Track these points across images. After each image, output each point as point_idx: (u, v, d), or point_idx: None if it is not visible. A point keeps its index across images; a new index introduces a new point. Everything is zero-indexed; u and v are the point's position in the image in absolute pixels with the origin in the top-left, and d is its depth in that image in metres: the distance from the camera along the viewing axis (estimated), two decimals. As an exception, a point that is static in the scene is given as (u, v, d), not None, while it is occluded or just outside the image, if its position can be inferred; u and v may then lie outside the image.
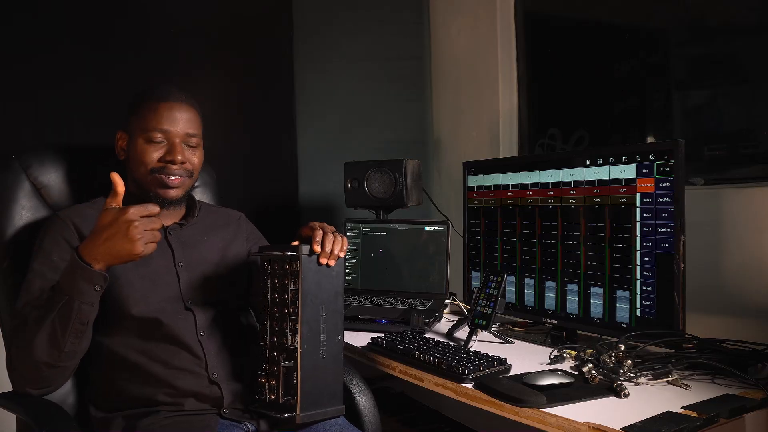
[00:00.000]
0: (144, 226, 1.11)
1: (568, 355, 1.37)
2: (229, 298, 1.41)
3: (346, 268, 2.06)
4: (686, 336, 1.30)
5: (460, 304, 1.88)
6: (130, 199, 1.32)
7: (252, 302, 1.49)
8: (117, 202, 1.16)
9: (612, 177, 1.45)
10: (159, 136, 1.30)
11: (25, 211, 1.38)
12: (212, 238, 1.43)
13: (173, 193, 1.33)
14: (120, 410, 1.26)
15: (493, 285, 1.54)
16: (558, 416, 1.05)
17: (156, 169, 1.30)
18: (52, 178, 1.43)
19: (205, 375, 1.28)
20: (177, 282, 1.33)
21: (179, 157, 1.30)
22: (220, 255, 1.42)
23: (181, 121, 1.32)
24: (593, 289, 1.50)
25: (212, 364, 1.29)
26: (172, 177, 1.31)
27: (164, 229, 1.36)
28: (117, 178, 1.16)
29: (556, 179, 1.60)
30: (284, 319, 1.21)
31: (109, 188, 1.31)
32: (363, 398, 1.40)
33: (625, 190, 1.42)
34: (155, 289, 1.30)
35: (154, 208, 1.13)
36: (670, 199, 1.32)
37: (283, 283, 1.21)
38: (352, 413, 1.37)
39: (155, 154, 1.30)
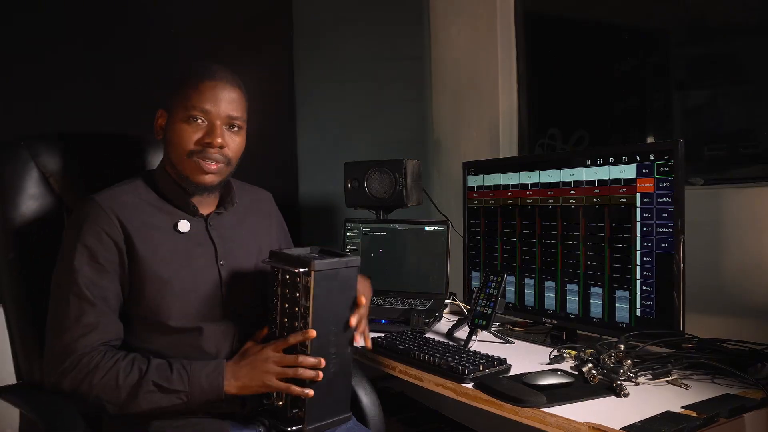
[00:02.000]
0: (281, 363, 1.15)
1: (567, 355, 1.37)
2: (264, 299, 1.34)
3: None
4: (686, 336, 1.30)
5: (460, 304, 1.88)
6: (168, 181, 1.27)
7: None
8: (259, 336, 1.24)
9: (612, 177, 1.45)
10: (199, 117, 1.20)
11: (32, 200, 1.33)
12: (249, 226, 1.36)
13: (209, 179, 1.23)
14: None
15: (493, 285, 1.54)
16: (558, 416, 1.05)
17: (193, 152, 1.20)
18: (61, 165, 1.37)
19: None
20: (219, 284, 1.26)
21: (218, 140, 1.20)
22: (257, 249, 1.35)
23: (224, 102, 1.22)
24: (593, 289, 1.50)
25: None
26: (209, 162, 1.21)
27: (204, 219, 1.28)
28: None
29: (556, 179, 1.60)
30: (294, 332, 1.17)
31: (122, 176, 1.28)
32: (368, 401, 1.40)
33: (625, 190, 1.42)
34: (197, 296, 1.23)
35: (296, 338, 1.15)
36: (670, 199, 1.32)
37: (293, 295, 1.16)
38: (358, 416, 1.37)
39: (194, 136, 1.20)
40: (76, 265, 1.15)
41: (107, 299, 1.17)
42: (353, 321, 1.20)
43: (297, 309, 1.16)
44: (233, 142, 1.25)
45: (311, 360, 1.14)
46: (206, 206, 1.30)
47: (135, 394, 1.11)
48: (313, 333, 1.13)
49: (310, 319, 1.14)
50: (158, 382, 1.12)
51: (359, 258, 1.22)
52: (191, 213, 1.27)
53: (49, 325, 1.17)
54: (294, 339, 1.14)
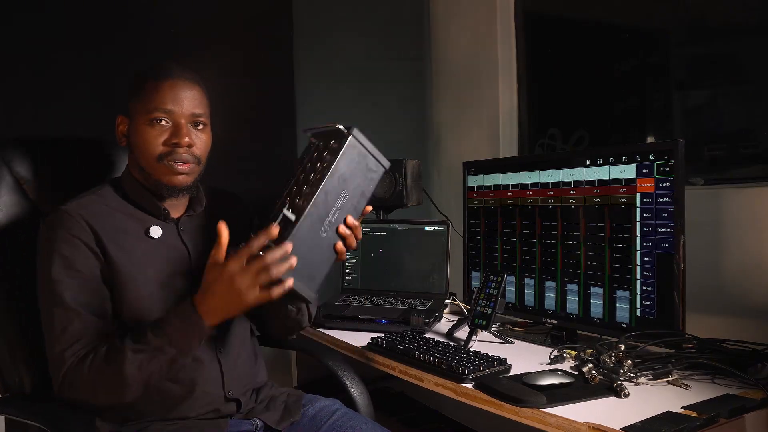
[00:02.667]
0: (250, 274, 1.04)
1: (568, 355, 1.37)
2: None
3: (346, 267, 2.06)
4: (686, 336, 1.30)
5: (460, 304, 1.88)
6: (135, 186, 1.25)
7: None
8: (220, 255, 1.09)
9: (612, 177, 1.45)
10: (163, 118, 1.18)
11: (6, 207, 1.31)
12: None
13: (181, 179, 1.21)
14: (127, 422, 1.20)
15: (493, 285, 1.54)
16: (558, 416, 1.05)
17: (162, 155, 1.19)
18: (35, 171, 1.35)
19: (222, 394, 1.24)
20: (194, 288, 1.17)
21: (186, 140, 1.18)
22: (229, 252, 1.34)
23: (186, 100, 1.20)
24: (593, 289, 1.50)
25: (229, 381, 1.25)
26: (179, 162, 1.19)
27: (175, 223, 1.27)
28: (222, 229, 1.10)
29: (556, 179, 1.60)
30: (307, 183, 1.13)
31: (99, 182, 1.26)
32: (357, 392, 1.41)
33: (625, 190, 1.42)
34: (173, 301, 1.20)
35: (259, 242, 1.04)
36: (670, 199, 1.32)
37: (320, 158, 1.13)
38: (348, 407, 1.39)
39: (160, 138, 1.18)
40: (54, 276, 1.13)
41: (90, 305, 1.14)
42: (368, 207, 1.18)
43: (319, 165, 1.13)
44: (200, 141, 1.23)
45: (278, 253, 1.04)
46: (176, 210, 1.29)
47: (121, 370, 1.07)
48: (275, 231, 1.05)
49: (328, 172, 1.10)
50: (137, 347, 1.08)
51: (389, 164, 1.20)
52: (162, 218, 1.25)
53: (46, 341, 1.15)
54: (257, 243, 1.05)
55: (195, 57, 2.20)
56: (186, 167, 1.21)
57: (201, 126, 1.24)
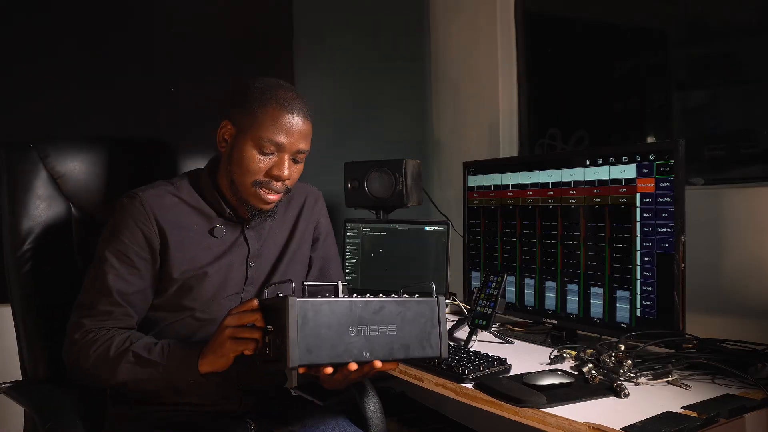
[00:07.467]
0: (236, 343, 1.06)
1: (568, 355, 1.37)
2: None
3: (346, 267, 2.06)
4: (686, 336, 1.30)
5: (460, 304, 1.88)
6: (211, 189, 1.29)
7: None
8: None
9: (612, 177, 1.45)
10: (271, 149, 1.21)
11: (40, 201, 1.37)
12: (287, 227, 1.38)
13: (267, 207, 1.27)
14: (133, 412, 1.24)
15: (493, 285, 1.54)
16: (558, 416, 1.05)
17: (259, 182, 1.22)
18: (70, 168, 1.42)
19: (232, 386, 1.27)
20: (244, 283, 1.30)
21: (285, 173, 1.23)
22: (289, 249, 1.37)
23: (296, 136, 1.22)
24: (593, 289, 1.50)
25: (241, 373, 1.24)
26: (271, 193, 1.24)
27: (241, 223, 1.31)
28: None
29: (556, 179, 1.60)
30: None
31: (131, 180, 1.31)
32: (371, 404, 1.41)
33: (625, 190, 1.42)
34: (221, 294, 1.27)
35: (251, 316, 1.05)
36: (670, 199, 1.32)
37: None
38: (359, 418, 1.38)
39: (262, 165, 1.22)
40: (106, 255, 1.20)
41: (126, 293, 1.20)
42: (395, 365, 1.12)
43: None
44: (296, 171, 1.27)
45: (245, 309, 1.06)
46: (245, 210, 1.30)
47: (117, 364, 1.13)
48: (254, 303, 1.06)
49: (390, 297, 1.11)
50: (139, 353, 1.13)
51: (445, 355, 1.12)
52: (227, 219, 1.30)
53: (75, 304, 1.22)
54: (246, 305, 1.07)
55: (194, 57, 2.22)
56: (275, 197, 1.26)
57: (299, 160, 1.27)
